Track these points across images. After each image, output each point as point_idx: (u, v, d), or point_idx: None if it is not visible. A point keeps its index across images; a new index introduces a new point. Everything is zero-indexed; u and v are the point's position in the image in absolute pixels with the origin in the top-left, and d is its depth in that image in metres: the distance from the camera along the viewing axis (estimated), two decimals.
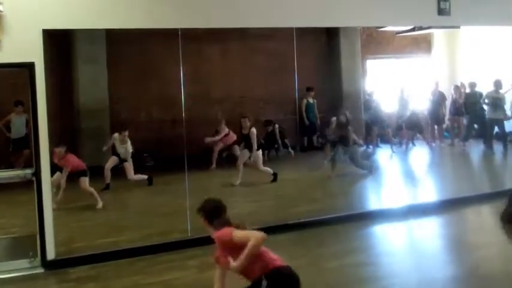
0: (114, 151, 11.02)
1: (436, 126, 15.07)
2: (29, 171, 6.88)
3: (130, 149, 11.01)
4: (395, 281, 6.08)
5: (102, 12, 7.09)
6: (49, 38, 6.90)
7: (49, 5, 6.79)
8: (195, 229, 7.77)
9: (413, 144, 14.32)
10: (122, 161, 10.94)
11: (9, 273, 6.61)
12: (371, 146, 14.72)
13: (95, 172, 10.86)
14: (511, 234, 3.22)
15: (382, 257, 7.02)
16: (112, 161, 10.93)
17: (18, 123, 11.39)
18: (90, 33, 11.80)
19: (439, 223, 8.48)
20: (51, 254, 6.78)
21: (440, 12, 9.01)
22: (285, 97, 13.50)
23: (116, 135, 11.00)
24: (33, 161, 6.82)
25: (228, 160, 13.06)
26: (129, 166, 10.91)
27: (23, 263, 6.73)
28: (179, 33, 8.13)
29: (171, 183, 10.74)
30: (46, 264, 6.74)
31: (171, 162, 11.61)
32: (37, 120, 6.72)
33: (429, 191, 10.29)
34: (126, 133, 10.97)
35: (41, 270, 6.70)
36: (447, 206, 8.90)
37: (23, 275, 6.59)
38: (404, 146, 14.18)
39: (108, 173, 10.81)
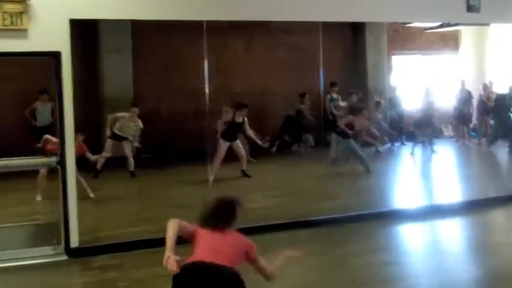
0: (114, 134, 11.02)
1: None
2: (53, 159, 6.93)
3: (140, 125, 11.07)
4: (420, 281, 6.01)
5: (128, 2, 7.09)
6: (75, 27, 6.93)
7: None
8: None
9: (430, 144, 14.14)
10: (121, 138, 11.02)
11: (34, 260, 6.66)
12: (396, 144, 14.63)
13: (118, 162, 10.95)
14: None
15: (407, 256, 6.95)
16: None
17: (43, 112, 11.49)
18: (115, 24, 11.85)
19: (464, 224, 8.37)
20: (74, 242, 6.82)
21: (470, 8, 8.85)
22: (309, 92, 13.46)
23: (126, 114, 11.04)
24: (58, 149, 6.87)
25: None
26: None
27: (47, 250, 6.78)
28: (204, 25, 8.12)
29: (193, 175, 10.78)
30: (69, 251, 6.78)
31: (193, 154, 11.67)
32: (63, 108, 6.75)
33: (454, 191, 10.16)
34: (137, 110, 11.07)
35: (64, 258, 6.74)
36: (472, 207, 8.77)
37: (46, 262, 6.63)
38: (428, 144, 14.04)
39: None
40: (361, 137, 11.87)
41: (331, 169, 11.25)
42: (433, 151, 13.49)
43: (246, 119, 10.96)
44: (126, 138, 10.94)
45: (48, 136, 8.92)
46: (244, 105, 10.92)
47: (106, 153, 10.53)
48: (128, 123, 10.93)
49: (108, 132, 10.90)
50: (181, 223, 4.09)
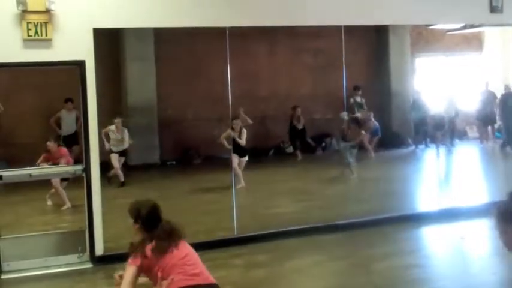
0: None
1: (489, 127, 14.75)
2: (79, 167, 7.00)
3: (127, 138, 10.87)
4: (444, 283, 5.96)
5: (151, 11, 7.15)
6: (98, 36, 7.00)
7: (100, 4, 6.88)
8: (241, 227, 7.79)
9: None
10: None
11: (59, 268, 6.73)
12: (420, 146, 14.50)
13: (143, 169, 11.00)
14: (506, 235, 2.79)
15: (431, 259, 6.89)
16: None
17: (68, 120, 11.58)
18: (138, 32, 11.93)
19: (489, 226, 8.25)
20: (99, 250, 6.87)
21: (493, 9, 8.77)
22: (333, 96, 13.39)
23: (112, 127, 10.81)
24: (83, 157, 6.94)
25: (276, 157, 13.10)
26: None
27: (72, 257, 6.85)
28: (226, 31, 8.14)
29: (218, 181, 10.78)
30: (94, 259, 6.83)
31: (217, 160, 11.68)
32: (87, 117, 6.81)
33: (478, 193, 10.02)
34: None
35: (89, 266, 6.80)
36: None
37: (72, 270, 6.70)
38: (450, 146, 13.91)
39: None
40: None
41: (352, 173, 11.22)
42: (449, 152, 13.36)
43: (244, 130, 10.66)
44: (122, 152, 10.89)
45: (49, 144, 8.99)
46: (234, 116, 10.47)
47: (116, 167, 10.62)
48: (115, 136, 10.82)
49: (106, 145, 10.69)
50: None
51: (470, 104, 15.02)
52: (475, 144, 14.78)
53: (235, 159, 10.29)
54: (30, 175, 6.98)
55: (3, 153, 10.44)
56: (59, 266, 6.75)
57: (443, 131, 13.35)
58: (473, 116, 14.96)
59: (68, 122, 11.57)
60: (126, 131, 10.90)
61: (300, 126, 13.61)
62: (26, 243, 6.90)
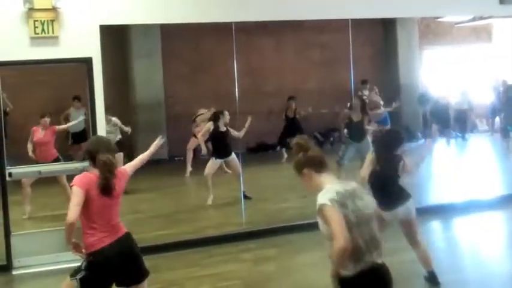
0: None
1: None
2: (87, 164, 7.01)
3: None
4: (457, 276, 5.93)
5: (157, 7, 7.16)
6: (105, 33, 7.03)
7: (106, 1, 6.89)
8: (249, 222, 7.80)
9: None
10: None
11: (68, 264, 6.73)
12: (429, 140, 14.42)
13: (151, 165, 10.96)
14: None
15: (443, 252, 6.86)
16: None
17: (76, 118, 11.61)
18: (145, 28, 11.97)
19: (500, 218, 8.24)
20: None
21: (502, 1, 8.71)
22: (340, 90, 13.35)
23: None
24: None
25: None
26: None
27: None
28: (233, 26, 8.14)
29: (225, 176, 10.79)
30: None
31: None
32: (95, 114, 6.85)
33: (489, 185, 9.98)
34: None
35: None
36: (508, 201, 8.61)
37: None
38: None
39: None
40: None
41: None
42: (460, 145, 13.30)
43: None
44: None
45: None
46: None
47: None
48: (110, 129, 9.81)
49: None
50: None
51: (480, 96, 14.93)
52: (486, 136, 14.72)
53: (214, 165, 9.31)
54: (40, 172, 7.01)
55: (14, 151, 10.48)
56: (69, 261, 6.76)
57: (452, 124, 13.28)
58: (483, 108, 14.88)
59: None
60: (114, 119, 10.10)
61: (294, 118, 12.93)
62: (36, 239, 6.94)
